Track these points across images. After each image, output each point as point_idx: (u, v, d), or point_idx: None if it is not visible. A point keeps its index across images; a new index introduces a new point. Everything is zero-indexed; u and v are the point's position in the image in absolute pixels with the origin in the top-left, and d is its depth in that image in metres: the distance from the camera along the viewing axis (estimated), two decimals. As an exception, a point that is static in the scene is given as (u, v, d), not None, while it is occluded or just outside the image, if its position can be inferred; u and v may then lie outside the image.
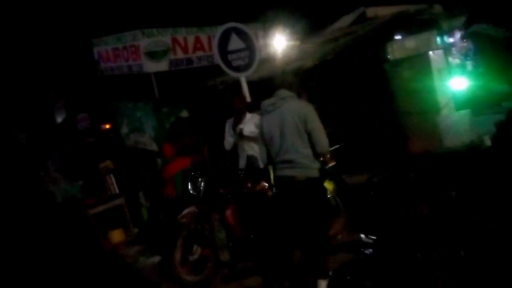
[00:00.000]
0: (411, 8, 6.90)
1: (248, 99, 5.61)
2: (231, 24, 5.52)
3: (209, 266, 4.52)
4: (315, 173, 3.60)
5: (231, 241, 4.55)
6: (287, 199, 3.70)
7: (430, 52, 6.32)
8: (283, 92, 3.61)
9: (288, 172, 3.61)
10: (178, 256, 4.55)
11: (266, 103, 3.71)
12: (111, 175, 6.82)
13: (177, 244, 4.60)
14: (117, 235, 6.61)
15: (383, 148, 6.53)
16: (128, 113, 7.79)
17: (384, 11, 7.15)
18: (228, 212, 4.52)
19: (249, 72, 5.63)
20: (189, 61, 7.77)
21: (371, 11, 7.18)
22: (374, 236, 3.15)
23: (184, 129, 7.53)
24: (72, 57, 9.13)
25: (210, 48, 7.99)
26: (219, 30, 5.47)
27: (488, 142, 3.63)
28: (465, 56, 7.50)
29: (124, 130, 8.07)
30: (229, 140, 4.94)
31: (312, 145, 3.51)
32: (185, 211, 4.72)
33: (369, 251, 3.17)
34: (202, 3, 8.53)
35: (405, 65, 6.50)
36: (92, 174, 6.86)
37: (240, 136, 4.81)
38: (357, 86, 6.39)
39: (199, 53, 7.89)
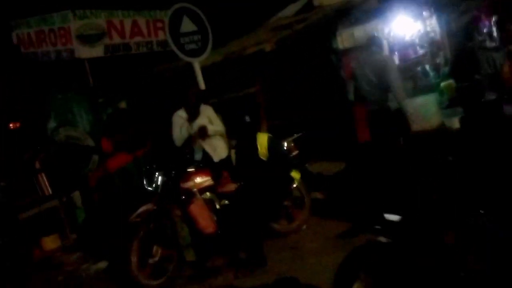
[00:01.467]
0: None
1: (202, 86, 5.26)
2: (181, 4, 5.10)
3: (172, 267, 4.13)
4: None
5: (196, 238, 4.19)
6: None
7: (382, 40, 6.42)
8: None
9: None
10: (134, 259, 4.09)
11: None
12: (43, 174, 6.03)
13: (133, 246, 4.14)
14: (51, 242, 5.87)
15: (340, 137, 6.56)
16: (57, 105, 6.93)
17: (329, 1, 7.15)
18: (193, 207, 4.15)
19: (203, 57, 5.26)
20: (127, 46, 7.14)
21: (316, 0, 7.14)
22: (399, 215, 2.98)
23: (124, 121, 6.94)
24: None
25: (149, 33, 7.44)
26: (170, 10, 5.02)
27: (457, 124, 3.75)
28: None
29: (52, 124, 7.19)
30: (182, 136, 4.57)
31: None
32: (140, 209, 4.26)
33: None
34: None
35: (352, 54, 6.55)
36: (19, 172, 6.01)
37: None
38: (312, 74, 6.31)
39: (138, 39, 7.29)
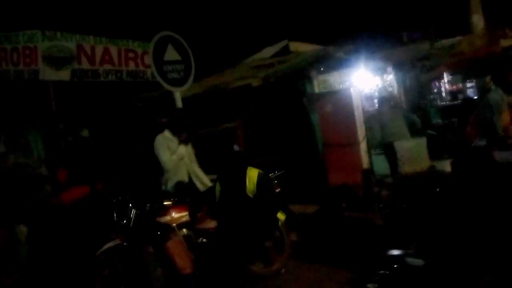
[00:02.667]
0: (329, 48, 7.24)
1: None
2: (167, 32, 4.95)
3: (141, 312, 3.67)
4: None
5: (172, 280, 3.77)
6: None
7: (351, 88, 6.63)
8: None
9: None
10: (96, 302, 3.61)
11: None
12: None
13: (96, 286, 3.67)
14: (-13, 282, 5.08)
15: (309, 179, 6.49)
16: (9, 128, 6.31)
17: (304, 47, 7.35)
18: (171, 244, 3.77)
19: (185, 86, 5.07)
20: (95, 73, 6.75)
21: (293, 46, 7.31)
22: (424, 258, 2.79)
23: (85, 151, 6.46)
24: None
25: (120, 62, 7.13)
26: (156, 36, 4.84)
27: (447, 167, 3.79)
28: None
29: (1, 148, 6.51)
30: (173, 158, 4.26)
31: None
32: (106, 246, 3.82)
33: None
34: (114, 12, 7.64)
35: (327, 99, 6.67)
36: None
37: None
38: (288, 115, 6.30)
39: (107, 66, 6.93)
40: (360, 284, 3.81)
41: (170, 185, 4.48)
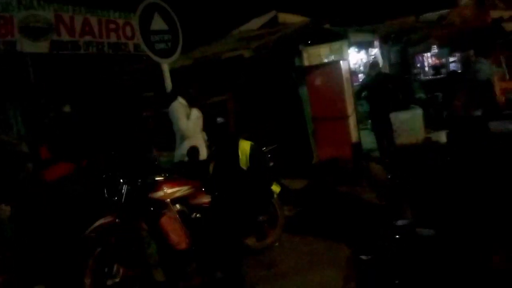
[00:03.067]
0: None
1: (169, 88, 4.83)
2: None
3: (135, 290, 3.59)
4: None
5: (166, 256, 3.69)
6: None
7: (341, 61, 6.53)
8: None
9: None
10: (88, 281, 3.51)
11: None
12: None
13: (88, 266, 3.56)
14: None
15: (297, 154, 6.44)
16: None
17: (292, 19, 7.15)
18: (165, 220, 3.67)
19: (173, 58, 4.87)
20: (75, 45, 6.43)
21: (281, 17, 7.11)
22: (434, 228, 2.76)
23: (68, 127, 6.21)
24: None
25: (101, 34, 6.82)
26: (141, 5, 4.59)
27: (443, 138, 3.78)
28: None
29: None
30: (190, 124, 4.31)
31: None
32: (97, 223, 3.70)
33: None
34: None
35: (316, 71, 6.56)
36: None
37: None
38: (278, 88, 6.17)
39: (88, 38, 6.61)
40: (355, 255, 3.83)
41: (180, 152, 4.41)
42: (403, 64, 11.85)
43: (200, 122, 4.42)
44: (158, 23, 4.72)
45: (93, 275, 3.53)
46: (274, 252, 4.38)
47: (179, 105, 4.27)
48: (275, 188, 4.09)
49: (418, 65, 13.06)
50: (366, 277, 3.16)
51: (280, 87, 6.18)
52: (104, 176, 3.86)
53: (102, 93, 6.13)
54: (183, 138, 4.33)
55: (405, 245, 2.63)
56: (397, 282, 2.48)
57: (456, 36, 7.03)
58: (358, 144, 6.75)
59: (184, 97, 4.30)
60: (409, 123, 4.05)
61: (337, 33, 6.46)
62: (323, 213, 5.13)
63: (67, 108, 6.43)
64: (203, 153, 4.33)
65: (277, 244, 4.50)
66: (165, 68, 4.77)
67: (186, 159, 4.15)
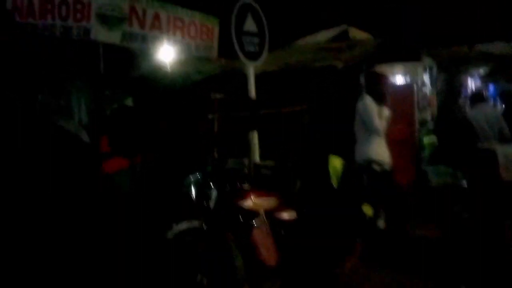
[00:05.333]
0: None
1: (253, 93, 4.64)
2: (249, 0, 4.54)
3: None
4: None
5: (253, 271, 3.45)
6: None
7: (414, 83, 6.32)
8: None
9: None
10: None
11: None
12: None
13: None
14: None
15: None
16: (50, 89, 5.85)
17: (361, 35, 6.95)
18: (257, 233, 3.43)
19: (259, 61, 4.69)
20: (144, 38, 6.30)
21: (352, 32, 6.91)
22: None
23: (128, 121, 6.06)
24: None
25: (168, 30, 6.68)
26: (238, 4, 4.43)
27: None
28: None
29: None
30: (383, 122, 4.25)
31: None
32: (181, 227, 3.48)
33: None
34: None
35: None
36: None
37: None
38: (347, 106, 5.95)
39: (155, 32, 6.48)
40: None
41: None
42: (450, 92, 11.66)
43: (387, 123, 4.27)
44: (250, 25, 4.55)
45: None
46: (351, 278, 4.12)
47: (370, 103, 4.08)
48: (367, 209, 3.85)
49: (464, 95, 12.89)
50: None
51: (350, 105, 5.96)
52: (194, 177, 3.64)
53: (166, 91, 5.95)
54: (372, 138, 4.11)
55: None
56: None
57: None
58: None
59: (372, 95, 4.13)
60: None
61: (403, 55, 6.27)
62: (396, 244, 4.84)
63: (128, 101, 6.30)
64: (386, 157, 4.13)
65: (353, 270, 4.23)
66: (251, 71, 4.59)
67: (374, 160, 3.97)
